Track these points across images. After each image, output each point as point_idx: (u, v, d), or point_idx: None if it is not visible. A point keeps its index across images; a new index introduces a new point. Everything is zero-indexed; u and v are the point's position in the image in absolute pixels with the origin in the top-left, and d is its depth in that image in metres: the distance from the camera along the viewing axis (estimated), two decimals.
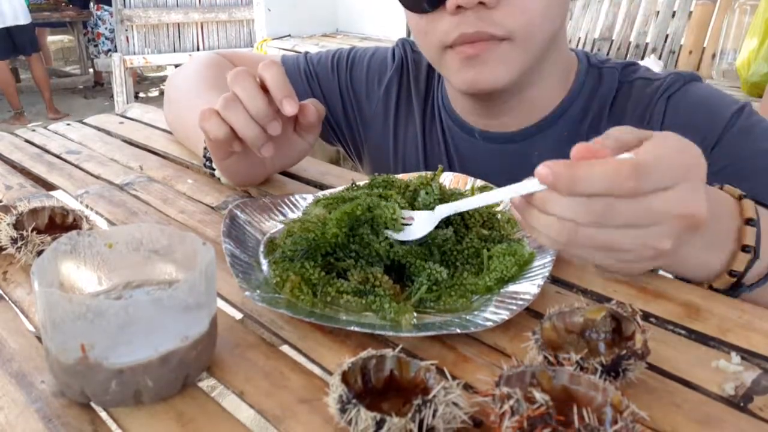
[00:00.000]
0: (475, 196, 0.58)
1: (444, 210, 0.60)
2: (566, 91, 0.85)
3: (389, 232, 0.60)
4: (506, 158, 0.88)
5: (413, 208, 0.65)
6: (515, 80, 0.77)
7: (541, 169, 0.45)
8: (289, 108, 0.69)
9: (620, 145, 0.47)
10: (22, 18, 5.36)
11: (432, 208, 0.64)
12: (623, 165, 0.43)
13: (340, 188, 0.74)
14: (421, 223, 0.61)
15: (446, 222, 0.65)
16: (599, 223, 0.44)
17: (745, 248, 0.56)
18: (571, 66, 0.87)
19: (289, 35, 4.08)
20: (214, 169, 0.85)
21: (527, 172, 0.87)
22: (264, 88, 0.70)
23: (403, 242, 0.60)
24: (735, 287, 0.58)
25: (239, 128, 0.69)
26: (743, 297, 0.59)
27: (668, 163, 0.44)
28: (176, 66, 5.10)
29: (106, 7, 6.24)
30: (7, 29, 5.25)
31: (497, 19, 0.72)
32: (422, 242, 0.60)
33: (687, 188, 0.45)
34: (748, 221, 0.56)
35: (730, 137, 0.76)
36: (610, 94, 0.84)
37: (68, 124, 1.18)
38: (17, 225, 0.63)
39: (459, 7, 0.71)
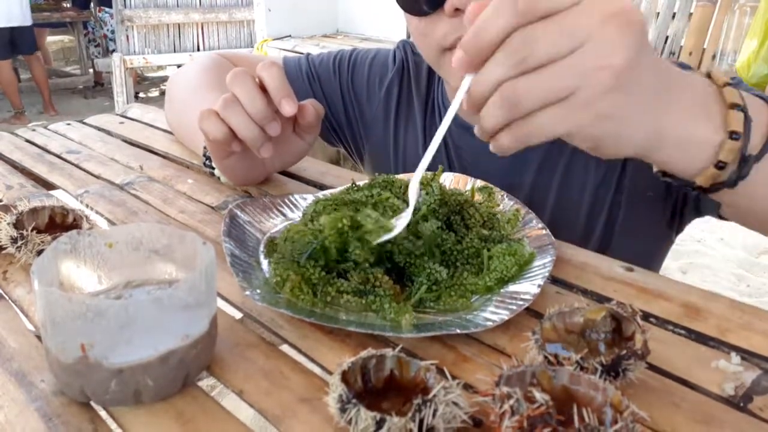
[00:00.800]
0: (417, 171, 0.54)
1: (412, 194, 0.56)
2: None
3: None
4: (506, 158, 0.88)
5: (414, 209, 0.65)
6: None
7: (455, 55, 0.43)
8: (288, 108, 0.69)
9: None
10: (26, 19, 5.40)
11: (432, 209, 0.64)
12: None
13: (340, 188, 0.74)
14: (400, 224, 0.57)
15: (447, 223, 0.65)
16: (525, 63, 0.41)
17: (732, 135, 0.50)
18: None
19: (290, 36, 4.09)
20: (213, 169, 0.85)
21: (526, 170, 0.87)
22: (263, 89, 0.70)
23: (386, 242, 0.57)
24: (741, 161, 0.51)
25: (238, 129, 0.69)
26: (735, 193, 0.53)
27: None
28: (177, 66, 5.12)
29: (108, 9, 6.26)
30: (11, 29, 5.28)
31: None
32: (422, 248, 0.60)
33: (611, 34, 0.41)
34: (734, 106, 0.51)
35: None
36: None
37: (68, 124, 1.18)
38: (17, 224, 0.63)
39: (457, 9, 0.71)
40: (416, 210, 0.64)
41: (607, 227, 0.85)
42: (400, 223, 0.56)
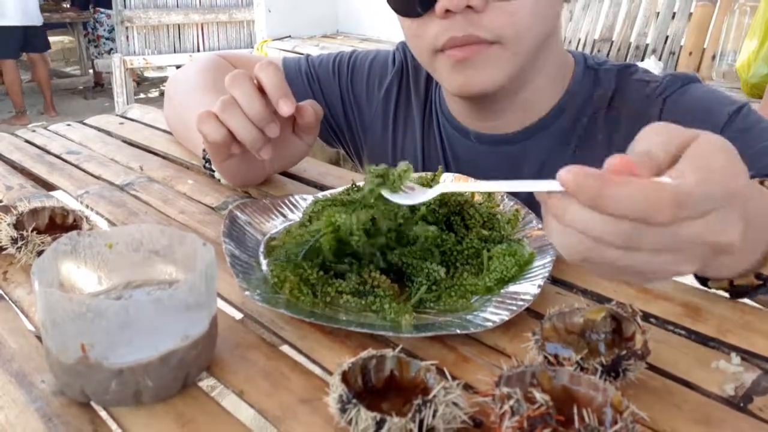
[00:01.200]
0: (485, 182, 0.52)
1: (449, 186, 0.58)
2: (562, 92, 0.85)
3: (391, 195, 0.56)
4: (502, 160, 0.88)
5: (413, 208, 0.65)
6: (506, 83, 0.77)
7: (564, 174, 0.40)
8: (285, 108, 0.69)
9: (659, 160, 0.42)
10: (38, 18, 5.48)
11: (432, 209, 0.64)
12: (663, 193, 0.38)
13: (340, 189, 0.74)
14: (422, 192, 0.57)
15: (446, 223, 0.65)
16: (623, 246, 0.40)
17: None
18: (567, 67, 0.86)
19: (290, 36, 4.09)
20: (213, 171, 0.85)
21: (524, 173, 0.87)
22: (261, 90, 0.70)
23: (410, 207, 0.58)
24: (754, 289, 0.55)
25: (237, 131, 0.69)
26: (758, 299, 0.56)
27: (712, 193, 0.39)
28: (177, 67, 5.12)
29: (103, 10, 6.28)
30: (24, 28, 5.34)
31: (486, 23, 0.72)
32: (417, 253, 0.60)
33: (724, 216, 0.40)
34: None
35: (727, 138, 0.76)
36: (607, 95, 0.84)
37: (68, 125, 1.18)
38: (17, 225, 0.63)
39: (448, 11, 0.71)
40: (415, 211, 0.64)
41: None
42: (423, 195, 0.56)
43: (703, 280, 0.59)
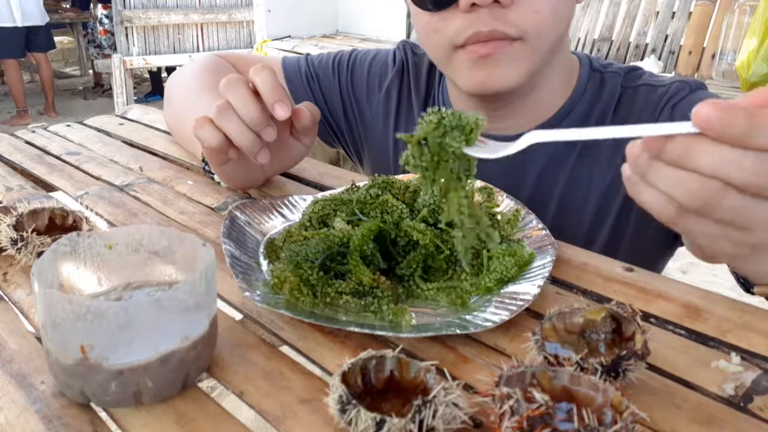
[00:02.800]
0: (585, 129, 0.45)
1: (538, 136, 0.47)
2: (568, 94, 0.85)
3: (469, 150, 0.49)
4: (506, 162, 0.88)
5: (413, 209, 0.65)
6: (524, 81, 0.77)
7: (705, 110, 0.36)
8: (281, 112, 0.68)
9: None
10: (42, 18, 5.50)
11: (432, 209, 0.64)
12: None
13: (339, 189, 0.75)
14: (503, 146, 0.49)
15: (447, 224, 0.65)
16: (764, 189, 0.36)
17: None
18: (573, 69, 0.86)
19: (289, 36, 4.08)
20: (213, 173, 0.85)
21: (527, 176, 0.87)
22: (257, 94, 0.69)
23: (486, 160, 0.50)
24: None
25: (234, 136, 0.69)
26: None
27: None
28: (175, 68, 5.13)
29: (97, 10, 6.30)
30: (27, 29, 5.36)
31: (511, 19, 0.71)
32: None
33: None
34: None
35: None
36: (613, 99, 0.84)
37: (68, 126, 1.18)
38: (17, 226, 0.63)
39: (474, 5, 0.70)
40: (416, 212, 0.64)
41: (614, 234, 0.85)
42: (502, 148, 0.49)
43: (745, 287, 0.57)
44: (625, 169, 0.42)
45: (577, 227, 0.85)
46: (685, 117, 0.80)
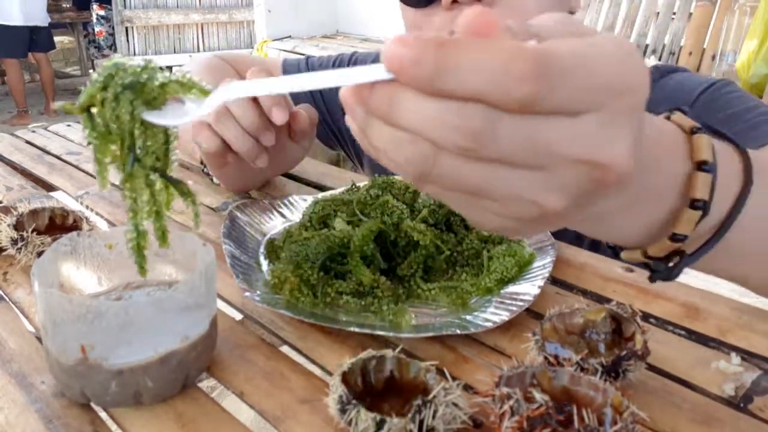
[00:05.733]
0: (281, 77, 0.33)
1: (232, 89, 0.33)
2: None
3: (150, 115, 0.35)
4: None
5: (413, 209, 0.65)
6: None
7: (392, 46, 0.28)
8: (279, 116, 0.67)
9: (534, 32, 0.33)
10: (45, 19, 5.51)
11: (432, 209, 0.64)
12: (522, 53, 0.27)
13: (339, 189, 0.75)
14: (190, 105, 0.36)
15: (446, 224, 0.65)
16: (469, 150, 0.29)
17: (694, 203, 0.39)
18: None
19: (290, 36, 4.09)
20: (212, 176, 0.85)
21: None
22: (255, 98, 0.69)
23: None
24: (672, 256, 0.42)
25: (232, 141, 0.68)
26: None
27: (591, 69, 0.29)
28: (170, 68, 5.14)
29: (109, 7, 6.28)
30: (30, 28, 5.38)
31: None
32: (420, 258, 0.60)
33: (604, 121, 0.30)
34: (701, 165, 0.39)
35: (692, 114, 0.74)
36: None
37: (68, 125, 1.18)
38: (17, 226, 0.63)
39: (455, 1, 0.71)
40: (416, 212, 0.64)
41: (595, 241, 0.85)
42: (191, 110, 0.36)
43: (617, 253, 0.47)
44: (350, 122, 0.34)
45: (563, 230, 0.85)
46: (650, 102, 0.72)
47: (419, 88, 0.28)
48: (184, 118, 0.36)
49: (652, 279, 0.43)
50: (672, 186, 0.39)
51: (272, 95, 0.68)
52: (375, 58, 1.04)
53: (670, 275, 0.41)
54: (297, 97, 0.74)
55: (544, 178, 0.30)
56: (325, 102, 1.03)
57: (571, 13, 0.81)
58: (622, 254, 0.43)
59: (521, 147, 0.29)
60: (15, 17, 5.26)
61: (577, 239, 0.85)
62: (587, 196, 0.32)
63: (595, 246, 0.84)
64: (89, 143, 0.36)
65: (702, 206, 0.39)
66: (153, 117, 0.36)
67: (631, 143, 0.31)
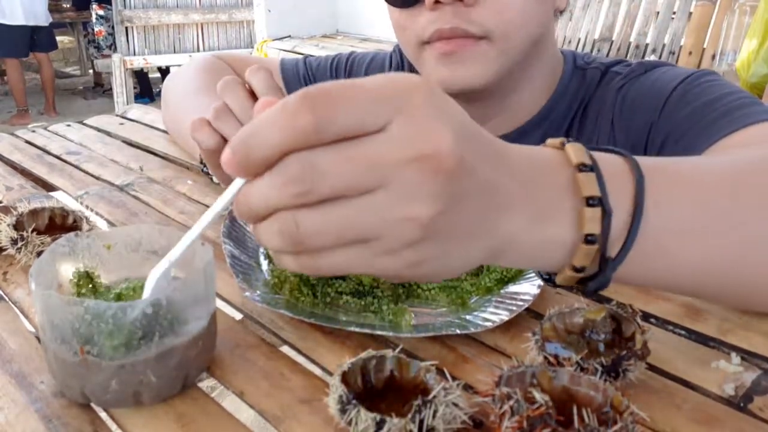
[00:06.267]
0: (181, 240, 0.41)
1: (156, 275, 0.42)
2: (551, 94, 0.85)
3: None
4: None
5: None
6: (492, 82, 0.76)
7: (225, 153, 0.33)
8: None
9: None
10: (47, 19, 5.55)
11: None
12: (289, 98, 0.32)
13: None
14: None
15: None
16: (306, 197, 0.32)
17: (589, 200, 0.39)
18: (558, 69, 0.86)
19: (290, 36, 4.09)
20: (212, 174, 0.85)
21: None
22: (254, 95, 0.69)
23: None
24: (601, 263, 0.41)
25: (231, 138, 0.68)
26: (620, 281, 0.44)
27: (360, 88, 0.32)
28: (165, 69, 5.13)
29: (109, 7, 6.28)
30: (32, 28, 5.39)
31: (474, 17, 0.71)
32: None
33: (410, 121, 0.32)
34: (581, 167, 0.40)
35: (667, 107, 0.73)
36: (589, 93, 0.84)
37: (68, 125, 1.18)
38: (17, 226, 0.63)
39: (437, 2, 0.71)
40: None
41: None
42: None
43: (553, 282, 0.47)
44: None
45: None
46: (628, 97, 0.70)
47: (248, 174, 0.33)
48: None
49: (585, 292, 0.43)
50: (564, 193, 0.40)
51: (270, 91, 0.68)
52: (372, 58, 1.04)
53: (603, 281, 0.41)
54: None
55: (394, 193, 0.32)
56: None
57: (559, 11, 0.81)
58: (557, 279, 0.43)
59: (349, 172, 0.32)
60: (17, 17, 5.27)
61: None
62: (443, 195, 0.33)
63: None
64: None
65: (598, 202, 0.39)
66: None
67: (448, 129, 0.32)
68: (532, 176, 0.39)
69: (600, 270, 0.41)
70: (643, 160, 0.43)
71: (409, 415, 0.38)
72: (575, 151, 0.40)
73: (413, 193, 0.32)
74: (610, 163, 0.42)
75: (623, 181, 0.41)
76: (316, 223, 0.33)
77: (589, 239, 0.39)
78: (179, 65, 1.20)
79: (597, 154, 0.41)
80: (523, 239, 0.39)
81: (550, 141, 0.43)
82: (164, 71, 5.99)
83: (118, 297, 0.50)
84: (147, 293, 0.42)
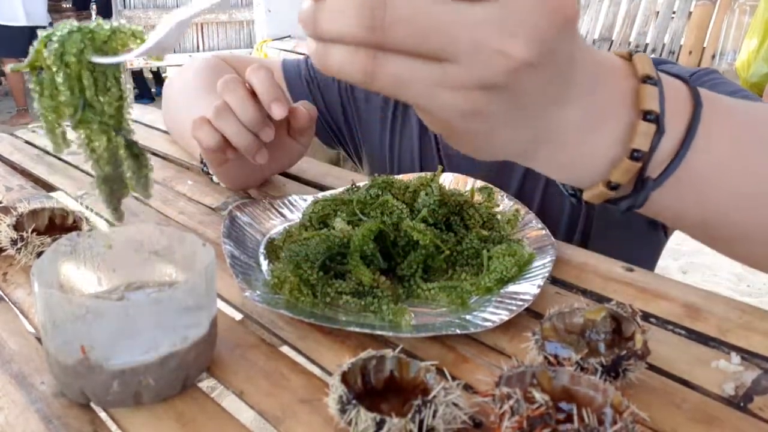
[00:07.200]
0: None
1: (175, 20, 0.39)
2: None
3: (95, 58, 0.40)
4: (495, 161, 0.88)
5: (413, 209, 0.65)
6: None
7: None
8: (278, 111, 0.67)
9: None
10: (46, 19, 5.57)
11: (432, 209, 0.64)
12: None
13: (340, 189, 0.75)
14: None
15: (446, 223, 0.65)
16: (370, 31, 0.30)
17: (646, 115, 0.38)
18: None
19: (290, 36, 4.09)
20: (212, 174, 0.85)
21: (517, 175, 0.87)
22: (254, 94, 0.69)
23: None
24: (638, 183, 0.41)
25: (231, 137, 0.68)
26: (649, 207, 0.43)
27: None
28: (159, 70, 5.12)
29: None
30: (31, 28, 5.42)
31: None
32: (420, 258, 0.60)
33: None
34: (646, 79, 0.39)
35: None
36: None
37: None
38: (17, 226, 0.63)
39: None
40: (416, 212, 0.64)
41: (585, 230, 0.85)
42: None
43: (578, 199, 0.47)
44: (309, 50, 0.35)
45: (557, 224, 0.86)
46: None
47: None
48: (127, 56, 0.38)
49: (621, 207, 0.42)
50: (624, 101, 0.39)
51: (271, 90, 0.68)
52: None
53: (636, 201, 0.41)
54: (297, 98, 0.74)
55: (504, 18, 0.29)
56: (325, 101, 1.03)
57: None
58: (584, 195, 0.42)
59: (417, 26, 0.29)
60: (17, 17, 5.28)
61: (568, 231, 0.85)
62: (547, 50, 0.31)
63: (584, 240, 0.85)
64: (38, 102, 0.38)
65: (655, 119, 0.38)
66: (101, 59, 0.38)
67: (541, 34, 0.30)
68: (597, 77, 0.38)
69: (634, 191, 0.41)
70: (703, 91, 0.43)
71: (409, 415, 0.38)
72: (643, 63, 0.40)
73: (521, 27, 0.30)
74: (673, 85, 0.41)
75: (682, 106, 0.41)
76: (407, 7, 0.29)
77: (635, 155, 0.39)
78: (179, 65, 1.20)
79: (661, 74, 0.40)
80: (569, 137, 0.38)
81: (616, 50, 0.42)
82: (156, 73, 6.00)
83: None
84: (161, 34, 0.37)
